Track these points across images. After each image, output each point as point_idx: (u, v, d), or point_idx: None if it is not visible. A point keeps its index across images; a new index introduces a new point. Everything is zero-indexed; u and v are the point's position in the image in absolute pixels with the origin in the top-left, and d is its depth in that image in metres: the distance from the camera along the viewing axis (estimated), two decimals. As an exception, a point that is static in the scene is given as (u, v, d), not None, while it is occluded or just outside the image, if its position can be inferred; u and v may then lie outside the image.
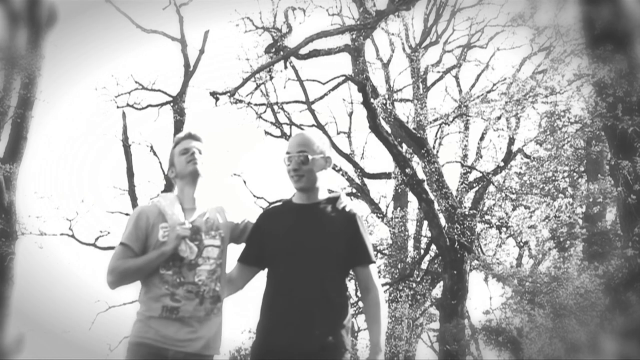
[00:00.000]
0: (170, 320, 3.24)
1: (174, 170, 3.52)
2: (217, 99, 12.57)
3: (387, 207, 17.95)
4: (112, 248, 15.06)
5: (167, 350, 3.22)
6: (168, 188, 14.09)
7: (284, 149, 3.37)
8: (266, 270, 3.42)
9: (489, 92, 15.13)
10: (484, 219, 15.17)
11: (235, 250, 3.53)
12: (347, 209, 3.34)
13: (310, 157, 3.30)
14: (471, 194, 15.59)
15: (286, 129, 16.22)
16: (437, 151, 16.02)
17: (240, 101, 14.33)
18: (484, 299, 17.86)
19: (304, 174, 3.29)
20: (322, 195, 3.37)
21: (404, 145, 14.75)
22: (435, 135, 16.49)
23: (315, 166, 3.32)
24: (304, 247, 3.23)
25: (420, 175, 14.22)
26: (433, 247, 15.47)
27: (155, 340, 3.22)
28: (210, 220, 3.44)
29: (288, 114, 16.36)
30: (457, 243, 13.85)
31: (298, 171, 3.29)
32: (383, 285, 16.20)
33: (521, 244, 15.38)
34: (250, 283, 3.51)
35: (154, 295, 3.27)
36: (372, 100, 13.30)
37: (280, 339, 3.14)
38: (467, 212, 14.35)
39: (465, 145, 16.06)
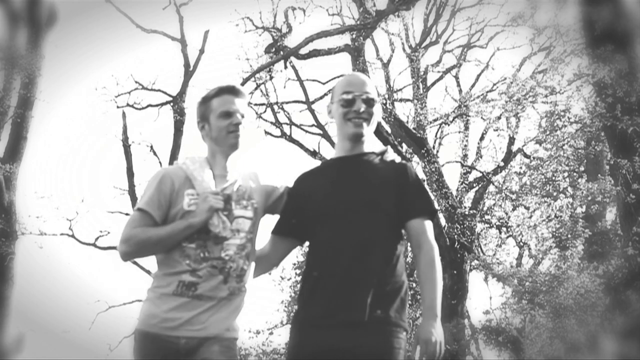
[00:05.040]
0: (184, 297, 2.77)
1: (207, 128, 2.98)
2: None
3: (387, 207, 17.92)
4: (112, 248, 15.05)
5: (178, 338, 2.75)
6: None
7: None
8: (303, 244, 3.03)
9: (489, 91, 15.13)
10: (484, 219, 15.17)
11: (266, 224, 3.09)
12: (396, 161, 2.91)
13: (375, 99, 2.88)
14: (471, 194, 15.60)
15: (286, 129, 16.21)
16: (437, 151, 16.02)
17: (240, 101, 14.31)
18: (484, 299, 17.81)
19: (368, 117, 2.87)
20: (367, 148, 2.93)
21: (404, 145, 14.75)
22: (435, 135, 16.50)
23: (377, 114, 2.91)
24: (349, 202, 2.78)
25: (420, 175, 14.22)
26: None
27: (162, 328, 2.76)
28: (242, 188, 2.95)
29: (288, 114, 16.32)
30: (457, 243, 13.85)
31: (363, 113, 2.86)
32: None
33: (521, 244, 15.38)
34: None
35: (171, 270, 2.81)
36: (372, 100, 13.29)
37: (321, 311, 2.71)
38: (467, 212, 14.35)
39: (465, 145, 16.07)
